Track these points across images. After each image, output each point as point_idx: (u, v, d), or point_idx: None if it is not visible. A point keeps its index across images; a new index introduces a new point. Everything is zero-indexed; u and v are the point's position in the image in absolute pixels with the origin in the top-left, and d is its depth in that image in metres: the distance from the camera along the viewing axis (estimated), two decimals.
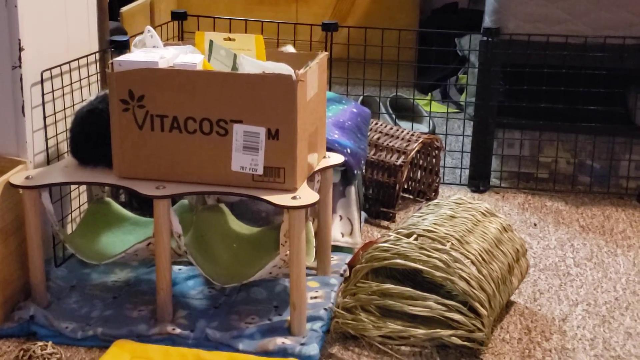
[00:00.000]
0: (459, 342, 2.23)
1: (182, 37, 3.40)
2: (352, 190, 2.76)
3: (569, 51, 3.21)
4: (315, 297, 2.44)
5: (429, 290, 2.36)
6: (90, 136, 2.37)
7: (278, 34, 3.28)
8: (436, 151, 3.21)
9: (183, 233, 2.32)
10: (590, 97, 3.23)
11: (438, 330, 2.24)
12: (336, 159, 2.52)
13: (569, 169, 3.40)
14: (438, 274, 2.25)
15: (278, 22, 3.38)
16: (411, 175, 3.24)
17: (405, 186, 3.23)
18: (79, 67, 2.66)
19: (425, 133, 3.24)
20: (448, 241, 2.31)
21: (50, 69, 2.51)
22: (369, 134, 3.04)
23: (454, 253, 2.28)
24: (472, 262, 2.29)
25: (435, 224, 2.38)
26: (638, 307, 2.53)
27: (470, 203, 2.54)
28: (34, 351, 2.13)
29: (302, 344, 2.24)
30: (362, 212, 2.91)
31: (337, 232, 2.74)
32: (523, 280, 2.56)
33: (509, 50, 3.24)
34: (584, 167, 3.39)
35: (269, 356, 2.22)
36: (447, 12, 4.73)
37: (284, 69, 2.25)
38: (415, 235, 2.34)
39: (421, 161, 3.24)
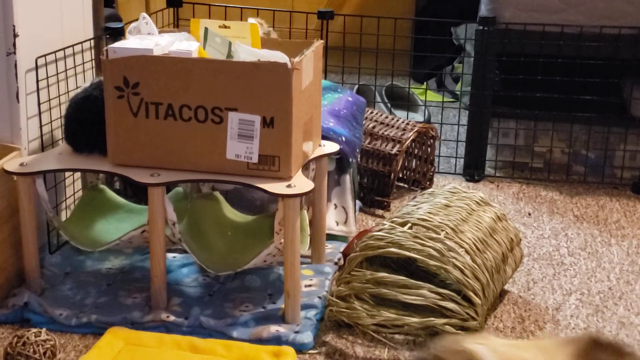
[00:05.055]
0: (453, 330, 2.23)
1: (177, 24, 3.39)
2: (347, 178, 2.76)
3: (564, 41, 3.21)
4: (310, 286, 2.44)
5: (423, 279, 2.36)
6: (85, 123, 2.37)
7: (274, 21, 3.27)
8: (431, 140, 3.21)
9: (177, 221, 2.31)
10: (585, 87, 3.23)
11: (432, 318, 2.24)
12: (331, 147, 2.52)
13: (563, 158, 3.41)
14: (432, 262, 2.25)
15: (274, 10, 3.37)
16: (406, 164, 3.24)
17: (400, 175, 3.23)
18: (73, 54, 2.65)
19: (420, 122, 3.23)
20: (442, 230, 2.31)
21: (44, 55, 2.50)
22: (364, 122, 3.04)
23: (448, 242, 2.28)
24: (466, 251, 2.29)
25: (429, 213, 2.38)
26: (631, 296, 2.53)
27: (464, 192, 2.54)
28: (27, 337, 2.12)
29: (296, 332, 2.25)
30: (357, 201, 2.91)
31: (332, 220, 2.74)
32: (517, 269, 2.56)
33: (505, 40, 3.24)
34: (579, 157, 3.40)
35: (263, 344, 2.22)
36: (443, 0, 4.72)
37: (279, 57, 2.24)
38: (409, 224, 2.34)
39: (416, 150, 3.23)
